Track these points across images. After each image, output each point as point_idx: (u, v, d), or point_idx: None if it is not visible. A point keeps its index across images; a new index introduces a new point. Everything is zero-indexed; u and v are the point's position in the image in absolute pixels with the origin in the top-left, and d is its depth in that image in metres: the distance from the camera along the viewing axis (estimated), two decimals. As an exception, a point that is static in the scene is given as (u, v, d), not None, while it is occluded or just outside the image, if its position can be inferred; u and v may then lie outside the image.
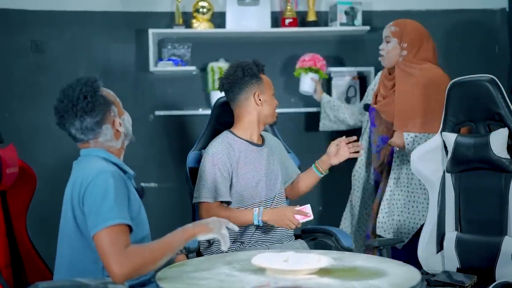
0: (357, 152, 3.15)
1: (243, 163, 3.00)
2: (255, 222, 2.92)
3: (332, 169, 4.34)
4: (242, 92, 3.03)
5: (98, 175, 2.19)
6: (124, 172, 2.35)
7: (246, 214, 2.93)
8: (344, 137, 3.15)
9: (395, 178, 3.51)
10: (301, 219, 2.87)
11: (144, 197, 2.44)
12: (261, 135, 3.14)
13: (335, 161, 3.14)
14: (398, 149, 3.50)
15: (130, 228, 2.17)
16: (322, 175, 3.19)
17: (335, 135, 4.37)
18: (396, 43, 3.54)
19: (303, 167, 3.41)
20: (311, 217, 2.87)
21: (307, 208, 2.87)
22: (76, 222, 2.23)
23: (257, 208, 2.93)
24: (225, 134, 3.06)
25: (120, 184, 2.22)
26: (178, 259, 2.63)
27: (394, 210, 3.49)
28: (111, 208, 2.14)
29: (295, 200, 3.30)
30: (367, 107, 3.75)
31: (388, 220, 3.48)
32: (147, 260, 2.13)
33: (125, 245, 2.12)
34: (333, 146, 3.13)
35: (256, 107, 3.03)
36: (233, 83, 3.02)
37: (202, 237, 2.29)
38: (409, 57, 3.53)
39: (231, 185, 2.98)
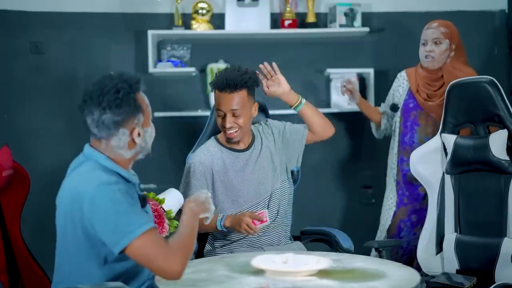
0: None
1: (223, 170, 3.01)
2: (219, 228, 2.92)
3: (334, 168, 4.35)
4: None
5: (99, 189, 2.07)
6: (128, 181, 2.22)
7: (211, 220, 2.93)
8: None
9: None
10: (259, 223, 2.85)
11: (145, 206, 2.37)
12: (253, 133, 3.11)
13: (274, 88, 3.09)
14: None
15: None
16: (297, 107, 3.12)
17: (335, 141, 4.39)
18: (448, 44, 3.47)
19: (303, 169, 3.41)
20: (268, 222, 2.87)
21: (264, 213, 2.87)
22: (84, 233, 2.11)
23: (222, 214, 2.93)
24: (210, 142, 3.10)
25: (126, 193, 2.11)
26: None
27: None
28: (129, 219, 2.05)
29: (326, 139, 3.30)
30: (395, 107, 3.67)
31: None
32: (188, 246, 2.10)
33: (165, 242, 2.07)
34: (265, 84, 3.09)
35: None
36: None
37: (202, 216, 2.28)
38: (455, 58, 3.48)
39: (215, 192, 3.00)
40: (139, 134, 2.19)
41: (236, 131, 2.97)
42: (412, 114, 3.59)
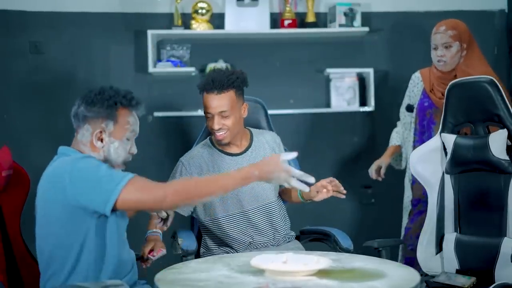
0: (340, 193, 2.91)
1: (212, 172, 2.99)
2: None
3: (334, 167, 4.33)
4: None
5: (75, 163, 2.19)
6: None
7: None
8: (328, 179, 2.88)
9: None
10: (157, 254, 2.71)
11: None
12: (252, 138, 3.11)
13: (317, 199, 2.90)
14: None
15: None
16: (303, 201, 3.05)
17: (335, 141, 4.40)
18: (458, 46, 3.46)
19: (302, 168, 3.39)
20: (163, 252, 2.74)
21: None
22: (69, 211, 2.19)
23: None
24: (202, 143, 3.11)
25: (101, 162, 2.25)
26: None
27: None
28: (109, 177, 2.16)
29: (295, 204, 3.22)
30: (410, 108, 3.67)
31: None
32: (190, 188, 2.21)
33: (150, 182, 2.19)
34: (313, 192, 2.88)
35: None
36: None
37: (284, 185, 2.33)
38: (468, 56, 3.47)
39: None
40: (101, 140, 2.30)
41: (225, 132, 2.94)
42: (427, 113, 3.59)
